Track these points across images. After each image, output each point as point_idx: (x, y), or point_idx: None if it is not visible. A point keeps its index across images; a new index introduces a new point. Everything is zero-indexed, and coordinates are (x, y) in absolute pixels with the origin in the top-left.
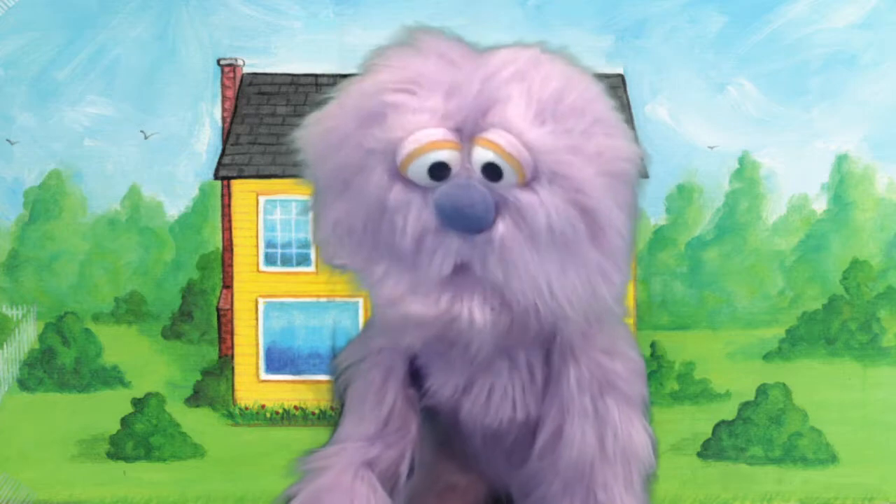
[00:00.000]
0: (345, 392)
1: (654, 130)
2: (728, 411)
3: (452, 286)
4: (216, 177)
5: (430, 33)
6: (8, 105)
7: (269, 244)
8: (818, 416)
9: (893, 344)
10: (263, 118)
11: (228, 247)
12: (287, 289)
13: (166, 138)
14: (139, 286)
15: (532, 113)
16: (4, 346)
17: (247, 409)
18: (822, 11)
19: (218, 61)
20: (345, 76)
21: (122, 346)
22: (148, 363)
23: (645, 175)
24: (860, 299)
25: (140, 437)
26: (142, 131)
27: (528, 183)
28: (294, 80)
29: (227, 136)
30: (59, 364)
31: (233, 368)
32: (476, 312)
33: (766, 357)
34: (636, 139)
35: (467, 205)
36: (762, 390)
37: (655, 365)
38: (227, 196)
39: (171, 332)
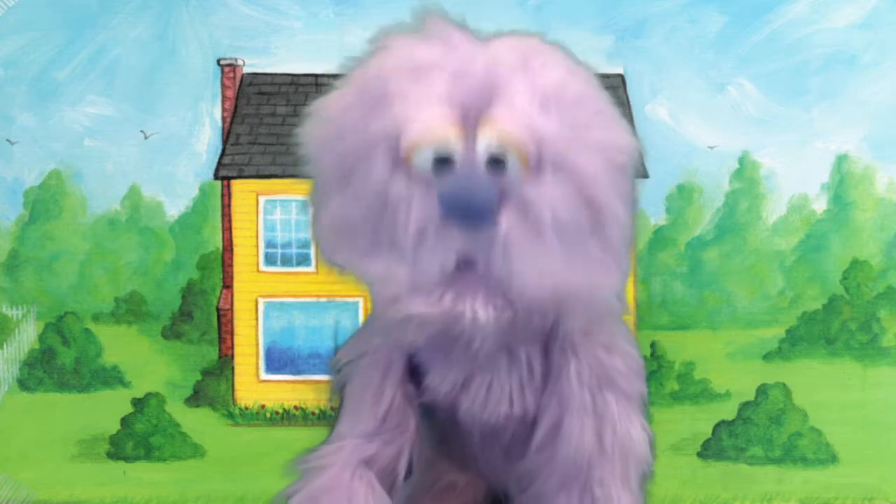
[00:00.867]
0: (343, 389)
1: (654, 130)
2: (728, 411)
3: (455, 283)
4: (216, 177)
5: (433, 18)
6: (8, 105)
7: (269, 244)
8: (818, 416)
9: (893, 344)
10: (263, 118)
11: (228, 247)
12: (287, 289)
13: (166, 138)
14: (139, 286)
15: (537, 102)
16: (4, 346)
17: (247, 409)
18: (822, 11)
19: (218, 61)
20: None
21: (122, 346)
22: (148, 363)
23: (645, 174)
24: (860, 299)
25: (140, 437)
26: (142, 131)
27: (532, 173)
28: (294, 80)
29: (227, 136)
30: (59, 364)
31: (233, 368)
32: (479, 311)
33: (766, 357)
34: (634, 132)
35: (471, 197)
36: (762, 390)
37: (655, 365)
38: (227, 196)
39: (171, 332)
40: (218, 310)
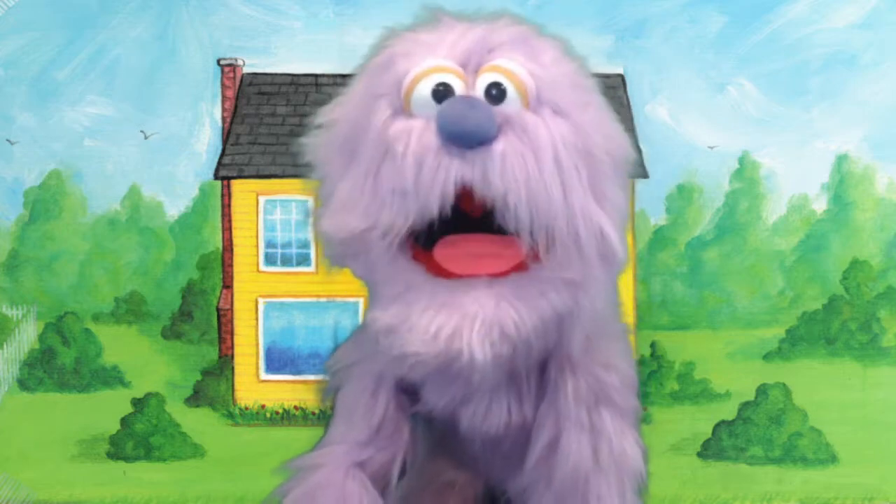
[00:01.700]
0: (336, 394)
1: (654, 130)
2: (728, 411)
3: (449, 314)
4: (216, 177)
5: (436, 13)
6: (8, 105)
7: (269, 244)
8: (818, 416)
9: (893, 344)
10: (263, 118)
11: (228, 247)
12: (287, 289)
13: (166, 138)
14: (139, 286)
15: (535, 62)
16: (4, 346)
17: (247, 409)
18: (822, 11)
19: (218, 61)
20: (345, 76)
21: (122, 346)
22: (148, 363)
23: (644, 174)
24: (860, 299)
25: (140, 437)
26: (142, 131)
27: (532, 109)
28: (294, 80)
29: (227, 136)
30: (59, 364)
31: (233, 368)
32: (476, 349)
33: (766, 357)
34: (632, 133)
35: (470, 115)
36: (762, 390)
37: (655, 365)
38: (227, 196)
39: (171, 332)
40: (218, 310)
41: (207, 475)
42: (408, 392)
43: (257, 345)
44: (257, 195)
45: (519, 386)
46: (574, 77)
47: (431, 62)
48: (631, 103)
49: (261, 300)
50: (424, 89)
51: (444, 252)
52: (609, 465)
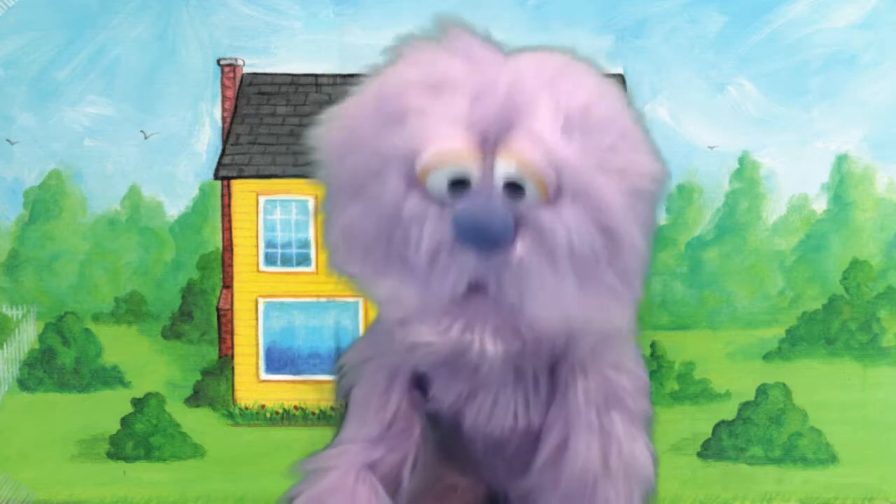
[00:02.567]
0: (348, 393)
1: (654, 130)
2: (728, 411)
3: (464, 311)
4: (216, 177)
5: (457, 28)
6: (8, 105)
7: (269, 244)
8: (818, 416)
9: (893, 344)
10: (263, 118)
11: (228, 247)
12: (287, 289)
13: (166, 138)
14: (139, 286)
15: (559, 125)
16: (4, 346)
17: (247, 409)
18: (822, 11)
19: (218, 61)
20: (345, 76)
21: (122, 346)
22: (148, 363)
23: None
24: (860, 299)
25: (140, 437)
26: (142, 131)
27: (550, 200)
28: (294, 80)
29: (227, 136)
30: (59, 364)
31: (233, 368)
32: (488, 343)
33: (766, 357)
34: (659, 155)
35: (487, 222)
36: (762, 390)
37: (655, 365)
38: (227, 196)
39: (171, 332)
40: (218, 310)
41: (207, 475)
42: (420, 389)
43: (257, 345)
44: (257, 195)
45: (526, 387)
46: (605, 119)
47: (447, 147)
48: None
49: (261, 300)
50: (441, 178)
51: None
52: (618, 470)
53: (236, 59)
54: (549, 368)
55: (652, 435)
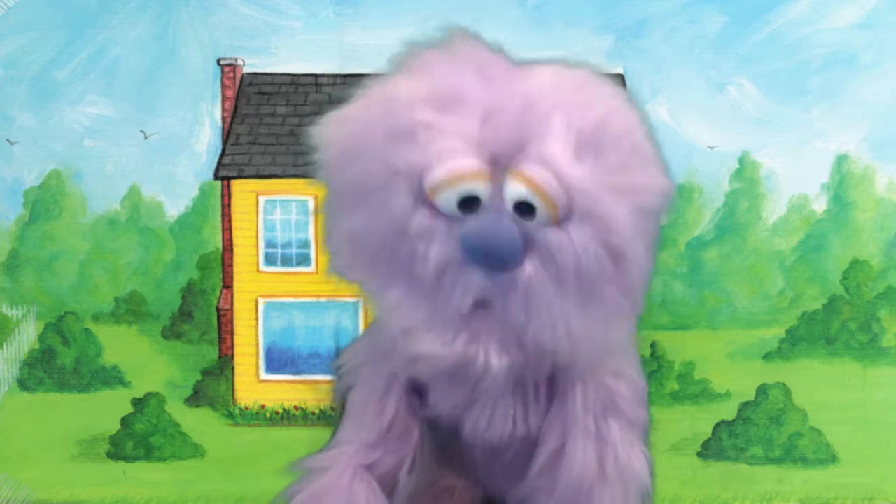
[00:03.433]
0: (346, 394)
1: (654, 130)
2: (728, 411)
3: (469, 325)
4: (216, 177)
5: (469, 39)
6: (8, 105)
7: (269, 244)
8: (818, 416)
9: (893, 344)
10: (263, 118)
11: (228, 247)
12: (287, 289)
13: (166, 138)
14: (139, 286)
15: (571, 147)
16: (4, 346)
17: (247, 409)
18: (822, 11)
19: (218, 61)
20: (345, 76)
21: (122, 346)
22: (148, 363)
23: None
24: (860, 299)
25: (140, 437)
26: (142, 131)
27: (559, 221)
28: (294, 80)
29: (227, 136)
30: (59, 364)
31: (233, 368)
32: (492, 357)
33: (766, 357)
34: (667, 170)
35: (496, 242)
36: (762, 390)
37: (655, 365)
38: (227, 196)
39: (171, 332)
40: (218, 310)
41: (207, 475)
42: (418, 394)
43: (257, 345)
44: (257, 195)
45: (525, 395)
46: (618, 138)
47: (458, 165)
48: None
49: (261, 300)
50: (451, 196)
51: None
52: (614, 477)
53: (236, 59)
54: (548, 377)
55: (649, 441)
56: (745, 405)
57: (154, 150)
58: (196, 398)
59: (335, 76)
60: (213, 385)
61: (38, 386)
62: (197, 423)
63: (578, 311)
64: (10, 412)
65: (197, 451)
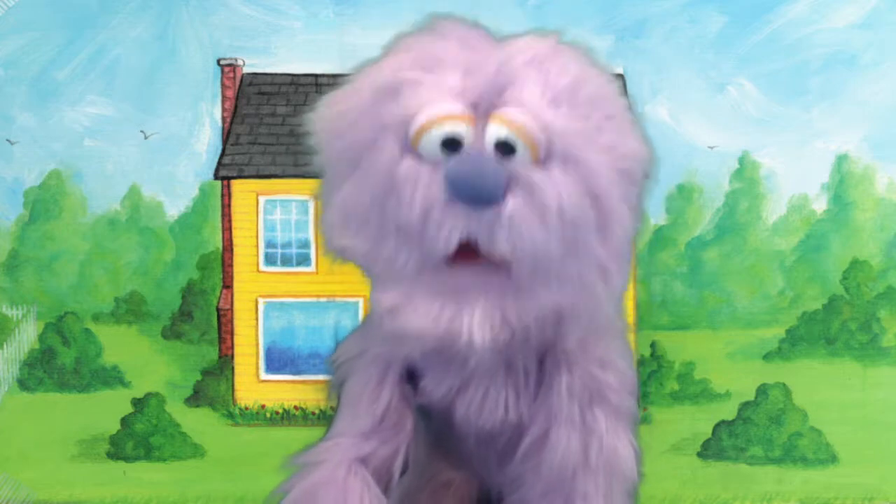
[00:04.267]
0: (341, 387)
1: (654, 130)
2: (728, 411)
3: (453, 297)
4: (216, 177)
5: (450, 19)
6: (8, 105)
7: (269, 244)
8: (818, 416)
9: (893, 344)
10: (263, 118)
11: (228, 247)
12: (287, 289)
13: (166, 138)
14: (139, 286)
15: (548, 96)
16: (4, 346)
17: (247, 409)
18: (822, 11)
19: (218, 61)
20: (345, 76)
21: (122, 346)
22: (148, 363)
23: (651, 177)
24: (860, 299)
25: (140, 437)
26: (142, 131)
27: (540, 163)
28: (294, 80)
29: (227, 136)
30: (59, 364)
31: (233, 368)
32: (476, 331)
33: (766, 357)
34: (646, 140)
35: (478, 176)
36: (762, 390)
37: (655, 365)
38: (227, 196)
39: (171, 332)
40: (218, 310)
41: (207, 475)
42: (411, 383)
43: (257, 345)
44: (257, 195)
45: (516, 380)
46: (592, 99)
47: (441, 109)
48: (631, 103)
49: (261, 300)
50: (434, 138)
51: None
52: (598, 465)
53: (236, 59)
54: (537, 361)
55: (636, 431)
56: (745, 405)
57: (154, 150)
58: (196, 398)
59: (335, 76)
60: (213, 385)
61: (38, 386)
62: (197, 423)
63: (564, 253)
64: (10, 412)
65: (197, 451)
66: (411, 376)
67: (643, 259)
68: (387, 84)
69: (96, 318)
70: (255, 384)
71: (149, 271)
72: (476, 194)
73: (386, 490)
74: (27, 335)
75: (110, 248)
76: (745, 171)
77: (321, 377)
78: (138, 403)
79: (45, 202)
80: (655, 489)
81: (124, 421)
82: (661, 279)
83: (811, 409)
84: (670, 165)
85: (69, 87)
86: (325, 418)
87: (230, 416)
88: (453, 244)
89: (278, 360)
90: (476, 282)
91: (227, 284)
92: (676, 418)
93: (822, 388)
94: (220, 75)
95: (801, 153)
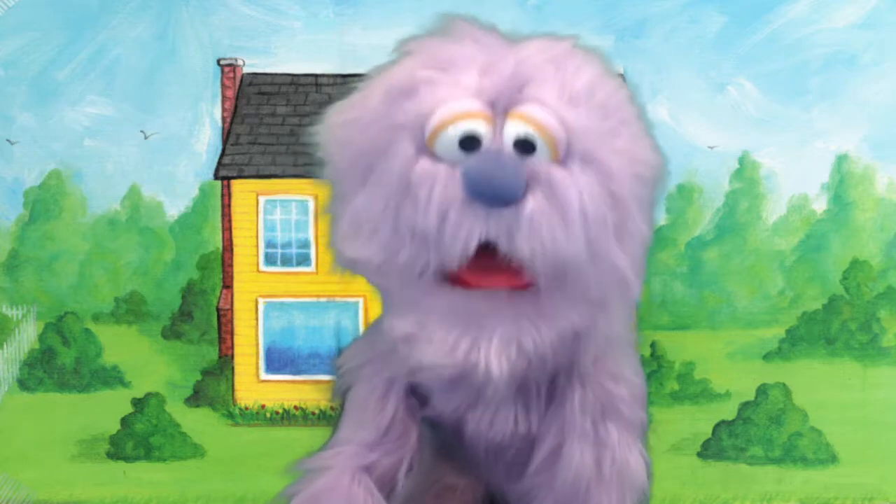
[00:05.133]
0: (346, 393)
1: (654, 130)
2: (728, 411)
3: (469, 327)
4: (216, 177)
5: (463, 21)
6: (8, 105)
7: (269, 244)
8: (818, 416)
9: (893, 344)
10: (263, 118)
11: (228, 247)
12: (287, 289)
13: (166, 138)
14: (139, 286)
15: (566, 97)
16: (4, 346)
17: (247, 409)
18: (822, 11)
19: (218, 61)
20: (345, 76)
21: (122, 346)
22: (148, 363)
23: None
24: (860, 299)
25: (140, 437)
26: (142, 131)
27: (560, 162)
28: (294, 80)
29: (227, 136)
30: (59, 364)
31: (233, 368)
32: (493, 363)
33: (766, 357)
34: (658, 149)
35: (498, 175)
36: (762, 390)
37: (655, 365)
38: (227, 196)
39: (171, 332)
40: (218, 310)
41: (207, 475)
42: (417, 396)
43: (257, 345)
44: (257, 195)
45: (527, 396)
46: (608, 103)
47: (458, 106)
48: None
49: (261, 300)
50: (451, 136)
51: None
52: (611, 478)
53: (236, 59)
54: (549, 377)
55: (647, 442)
56: (745, 405)
57: (154, 150)
58: (196, 398)
59: (335, 76)
60: (213, 385)
61: (38, 386)
62: (197, 423)
63: (583, 253)
64: (10, 412)
65: (197, 451)
66: (416, 390)
67: None
68: (401, 85)
69: (96, 318)
70: (255, 384)
71: (149, 271)
72: (496, 193)
73: (389, 496)
74: (27, 335)
75: (110, 248)
76: (745, 171)
77: (321, 377)
78: (138, 403)
79: (45, 202)
80: (655, 489)
81: (124, 421)
82: (661, 279)
83: (811, 409)
84: (670, 165)
85: (69, 87)
86: (325, 418)
87: (230, 416)
88: (472, 246)
89: (278, 360)
90: (493, 308)
91: (227, 284)
92: (676, 418)
93: (822, 388)
94: (220, 75)
95: (801, 153)
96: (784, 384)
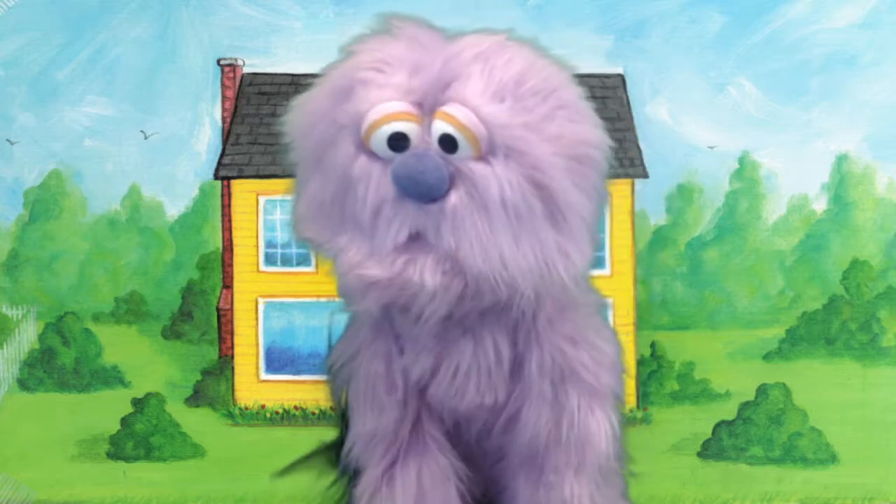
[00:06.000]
0: (346, 390)
1: (654, 130)
2: (728, 411)
3: (407, 251)
4: (216, 177)
5: (405, 20)
6: (8, 105)
7: (269, 244)
8: (818, 416)
9: (893, 344)
10: (263, 118)
11: (228, 247)
12: (287, 289)
13: (166, 138)
14: (139, 286)
15: (490, 91)
16: (4, 346)
17: (247, 409)
18: (822, 11)
19: (218, 61)
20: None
21: (122, 346)
22: (148, 363)
23: (644, 174)
24: (860, 299)
25: (140, 437)
26: (142, 131)
27: (483, 156)
28: (294, 80)
29: (227, 136)
30: (59, 364)
31: (233, 368)
32: (427, 275)
33: (766, 357)
34: (603, 127)
35: (421, 173)
36: (762, 390)
37: (655, 365)
38: (227, 196)
39: (171, 332)
40: (218, 310)
41: (207, 475)
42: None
43: (257, 345)
44: (257, 195)
45: (487, 358)
46: (541, 89)
47: (387, 107)
48: (631, 103)
49: (261, 300)
50: (381, 136)
51: None
52: (569, 441)
53: (236, 59)
54: (511, 342)
55: (618, 410)
56: (745, 405)
57: (154, 150)
58: (196, 398)
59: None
60: (213, 385)
61: (38, 386)
62: (197, 423)
63: (510, 242)
64: (10, 412)
65: (197, 451)
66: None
67: (643, 259)
68: (341, 86)
69: (96, 318)
70: (255, 384)
71: (149, 271)
72: (420, 190)
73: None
74: (27, 335)
75: (110, 248)
76: (745, 171)
77: (321, 377)
78: (138, 403)
79: (45, 202)
80: (655, 489)
81: (124, 421)
82: (661, 279)
83: (811, 409)
84: (670, 165)
85: (69, 87)
86: (325, 418)
87: (230, 416)
88: (402, 239)
89: (278, 360)
90: (427, 246)
91: (227, 284)
92: (676, 418)
93: (822, 388)
94: (220, 75)
95: (801, 153)
96: (784, 384)
